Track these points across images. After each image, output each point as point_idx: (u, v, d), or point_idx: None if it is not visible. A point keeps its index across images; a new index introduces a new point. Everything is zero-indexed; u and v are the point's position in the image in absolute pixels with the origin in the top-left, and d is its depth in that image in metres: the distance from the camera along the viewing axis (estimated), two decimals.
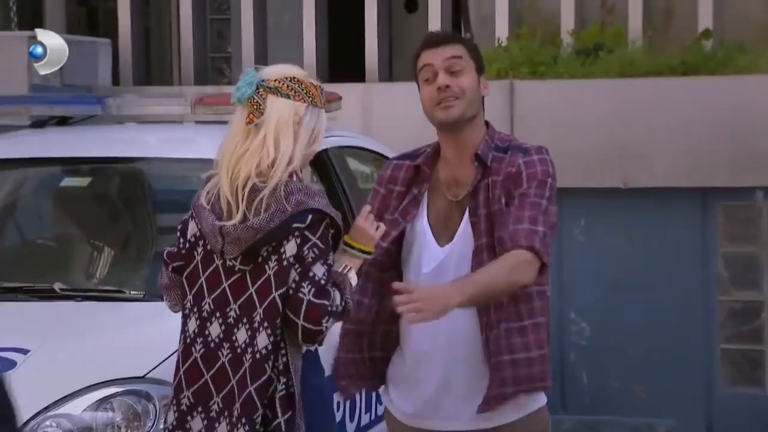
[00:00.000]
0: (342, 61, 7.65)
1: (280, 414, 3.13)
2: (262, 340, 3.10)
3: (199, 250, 3.22)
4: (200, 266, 3.21)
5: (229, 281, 3.15)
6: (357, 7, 7.38)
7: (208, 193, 3.22)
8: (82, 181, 5.17)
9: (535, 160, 3.43)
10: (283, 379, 3.14)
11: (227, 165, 3.16)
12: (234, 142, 3.17)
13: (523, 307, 3.43)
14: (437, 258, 3.43)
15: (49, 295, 4.41)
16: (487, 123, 3.52)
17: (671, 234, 6.41)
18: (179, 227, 3.29)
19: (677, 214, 6.40)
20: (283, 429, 3.12)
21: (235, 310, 3.14)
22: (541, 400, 3.52)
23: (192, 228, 3.24)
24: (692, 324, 6.38)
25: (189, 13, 7.49)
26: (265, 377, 3.10)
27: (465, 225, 3.43)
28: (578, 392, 6.54)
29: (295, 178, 3.16)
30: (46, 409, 3.79)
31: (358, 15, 7.36)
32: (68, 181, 5.21)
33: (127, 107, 5.37)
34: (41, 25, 8.39)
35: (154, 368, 3.88)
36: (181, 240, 3.27)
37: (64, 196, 5.19)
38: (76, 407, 3.81)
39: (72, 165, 5.11)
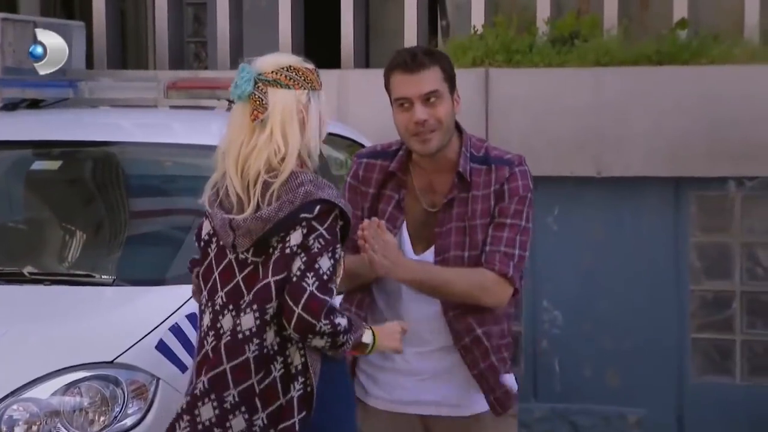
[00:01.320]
0: (318, 46, 7.62)
1: (295, 413, 3.11)
2: (247, 321, 3.09)
3: (213, 247, 3.22)
4: (214, 263, 3.21)
5: (243, 274, 3.15)
6: None
7: (214, 190, 3.21)
8: (53, 165, 5.15)
9: (516, 173, 3.47)
10: (301, 379, 3.12)
11: (235, 162, 3.14)
12: (239, 139, 3.15)
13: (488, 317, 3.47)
14: None
15: (18, 279, 4.39)
16: (459, 128, 3.51)
17: (644, 223, 6.42)
18: (195, 233, 3.31)
19: (651, 203, 6.42)
20: (297, 428, 3.11)
21: (248, 300, 3.12)
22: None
23: (206, 227, 3.26)
24: (664, 313, 6.40)
25: None
26: (242, 358, 3.08)
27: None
28: (550, 380, 6.55)
29: (304, 167, 3.15)
30: (14, 393, 3.78)
31: (334, 1, 7.33)
32: (39, 165, 5.19)
33: (99, 91, 5.36)
34: (15, 8, 8.35)
35: (123, 353, 3.88)
36: (197, 242, 3.29)
37: (34, 179, 5.17)
38: (44, 391, 3.80)
39: (43, 148, 5.09)
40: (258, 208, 3.12)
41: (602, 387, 6.46)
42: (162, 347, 3.93)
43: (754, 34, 6.59)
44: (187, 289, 4.07)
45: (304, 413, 3.12)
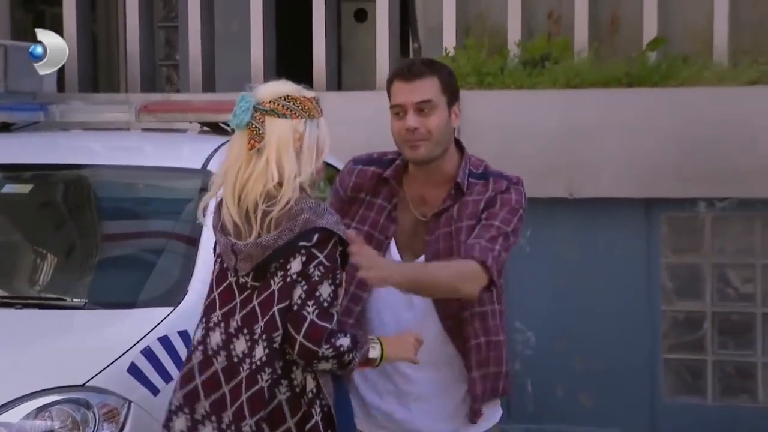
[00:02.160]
0: (290, 69, 7.63)
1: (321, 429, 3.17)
2: (259, 351, 3.14)
3: (216, 267, 3.29)
4: (215, 282, 3.27)
5: (242, 297, 3.21)
6: (305, 16, 7.38)
7: (221, 210, 3.27)
8: (24, 188, 5.13)
9: (512, 189, 3.50)
10: (317, 402, 3.17)
11: (232, 190, 3.20)
12: (236, 167, 3.20)
13: (478, 325, 3.46)
14: None
15: None
16: (460, 146, 3.55)
17: (616, 244, 6.45)
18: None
19: (622, 225, 6.45)
20: None
21: (237, 321, 3.19)
22: (493, 417, 3.57)
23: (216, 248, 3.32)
24: (636, 334, 6.42)
25: (136, 19, 7.45)
26: (257, 387, 3.14)
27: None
28: (523, 401, 6.56)
29: (303, 194, 3.18)
30: None
31: (306, 23, 7.35)
32: (10, 188, 5.16)
33: (70, 114, 5.35)
34: None
35: (94, 376, 3.86)
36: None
37: (5, 202, 5.14)
38: (15, 415, 3.77)
39: (14, 171, 5.07)
40: (259, 235, 3.17)
41: (575, 407, 6.47)
42: (133, 370, 3.91)
43: (723, 56, 6.65)
44: (159, 312, 4.09)
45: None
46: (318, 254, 3.13)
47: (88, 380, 3.84)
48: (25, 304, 4.37)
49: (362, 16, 9.26)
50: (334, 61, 7.42)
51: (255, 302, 3.17)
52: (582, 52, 6.80)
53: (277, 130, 3.18)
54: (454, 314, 3.46)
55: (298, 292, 3.12)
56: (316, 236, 3.13)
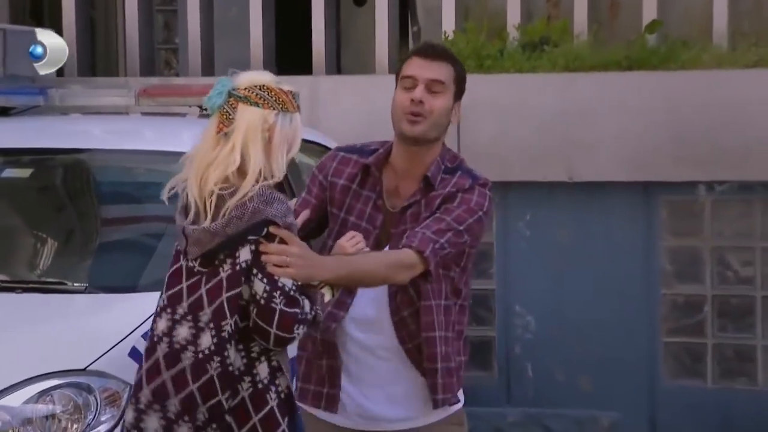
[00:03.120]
0: (289, 53, 7.63)
1: (281, 420, 3.17)
2: (206, 340, 3.12)
3: (173, 249, 3.27)
4: (170, 265, 3.26)
5: (189, 282, 3.19)
6: (304, 0, 7.37)
7: (180, 195, 3.25)
8: (24, 172, 5.13)
9: (476, 189, 3.47)
10: (273, 387, 3.17)
11: (196, 172, 3.19)
12: (204, 149, 3.20)
13: (441, 318, 3.47)
14: None
15: None
16: (442, 143, 3.54)
17: (616, 227, 6.46)
18: None
19: (621, 208, 6.45)
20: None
21: (183, 307, 3.17)
22: (454, 404, 3.59)
23: None
24: (636, 317, 6.43)
25: (134, 3, 7.43)
26: (206, 377, 3.11)
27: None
28: (523, 385, 6.57)
29: (267, 182, 3.16)
30: None
31: (305, 7, 7.34)
32: (9, 172, 5.16)
33: (70, 98, 5.34)
34: None
35: (95, 360, 3.87)
36: None
37: (5, 187, 5.14)
38: (16, 399, 3.78)
39: (13, 156, 5.07)
40: (213, 220, 3.15)
41: (575, 391, 6.48)
42: (135, 354, 3.91)
43: (722, 39, 6.64)
44: (159, 296, 4.10)
45: (287, 418, 3.19)
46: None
47: (90, 364, 3.85)
48: (26, 289, 4.38)
49: (361, 0, 9.25)
50: (333, 45, 7.41)
51: (202, 289, 3.15)
52: (581, 35, 6.79)
53: (247, 117, 3.16)
54: (404, 308, 3.47)
55: (261, 286, 3.10)
56: (265, 230, 3.12)
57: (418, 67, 3.44)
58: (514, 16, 6.97)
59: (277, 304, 3.10)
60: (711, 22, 6.72)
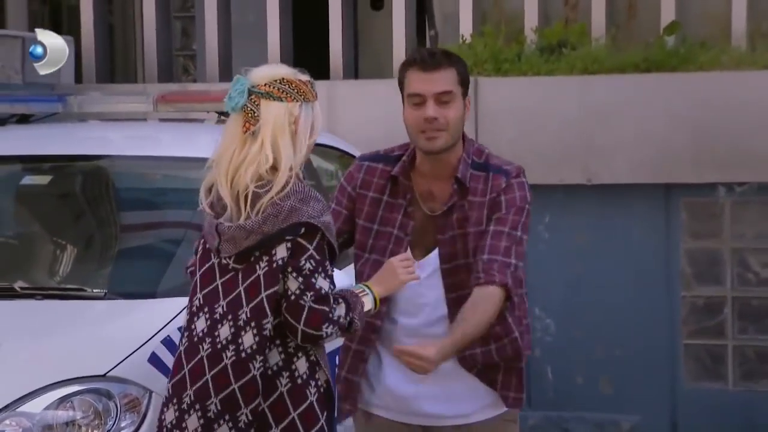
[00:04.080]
0: (307, 58, 7.63)
1: (319, 414, 3.18)
2: (248, 339, 3.13)
3: (200, 249, 3.27)
4: (197, 264, 3.26)
5: (223, 279, 3.19)
6: (321, 5, 7.37)
7: (206, 195, 3.25)
8: (44, 179, 5.14)
9: (514, 185, 3.48)
10: (317, 377, 3.19)
11: (225, 172, 3.18)
12: (231, 149, 3.18)
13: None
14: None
15: (9, 294, 4.39)
16: (463, 134, 3.53)
17: (635, 230, 6.44)
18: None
19: (641, 210, 6.43)
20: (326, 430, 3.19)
21: (222, 306, 3.17)
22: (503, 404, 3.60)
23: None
24: (656, 320, 6.41)
25: (152, 10, 7.46)
26: (249, 377, 3.12)
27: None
28: (543, 388, 6.55)
29: (294, 178, 3.17)
30: (6, 407, 3.77)
31: (322, 12, 7.35)
32: (29, 179, 5.18)
33: (88, 105, 5.36)
34: (3, 23, 8.35)
35: (115, 366, 3.87)
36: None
37: (25, 194, 5.16)
38: (37, 406, 3.79)
39: (33, 163, 5.09)
40: (248, 218, 3.15)
41: (595, 394, 6.46)
42: (154, 360, 3.92)
43: (741, 40, 6.62)
44: (178, 302, 4.09)
45: (326, 413, 3.20)
46: (307, 246, 3.12)
47: (110, 370, 3.86)
48: (46, 295, 4.39)
49: (378, 4, 9.25)
50: (350, 50, 7.41)
51: (241, 287, 3.15)
52: (599, 38, 6.78)
53: (273, 112, 3.16)
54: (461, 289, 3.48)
55: (294, 284, 3.11)
56: (302, 230, 3.12)
57: (423, 83, 3.40)
58: (531, 19, 6.96)
59: (306, 301, 3.10)
60: (729, 23, 6.70)
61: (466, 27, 7.06)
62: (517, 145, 6.36)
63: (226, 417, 3.13)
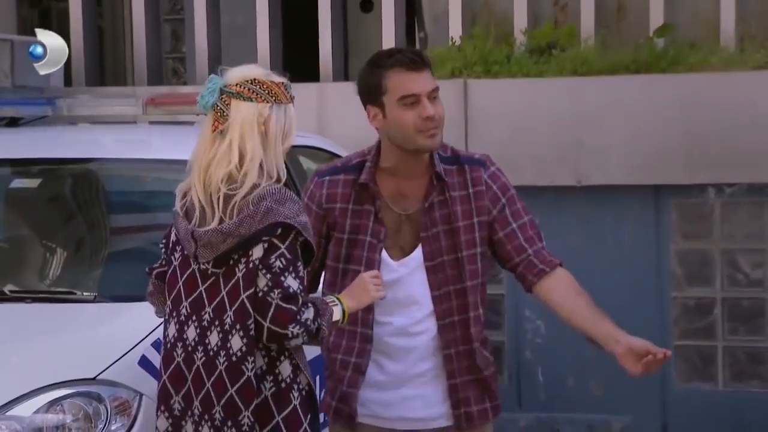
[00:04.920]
0: (297, 60, 7.64)
1: (303, 419, 3.18)
2: (236, 342, 3.13)
3: (177, 255, 3.26)
4: (178, 271, 3.25)
5: (205, 285, 3.19)
6: (311, 7, 7.37)
7: (182, 198, 3.26)
8: (33, 183, 5.14)
9: (496, 173, 3.55)
10: (299, 380, 3.19)
11: (198, 172, 3.20)
12: (203, 149, 3.20)
13: (473, 298, 3.48)
14: (394, 271, 3.46)
15: None
16: None
17: (625, 231, 6.44)
18: (163, 237, 3.36)
19: (631, 212, 6.44)
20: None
21: (209, 313, 3.18)
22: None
23: (173, 234, 3.30)
24: (646, 320, 6.41)
25: (142, 12, 7.45)
26: (244, 379, 3.12)
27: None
28: (534, 390, 6.56)
29: (267, 179, 3.17)
30: None
31: (312, 14, 7.34)
32: (18, 182, 5.17)
33: (78, 108, 5.35)
34: None
35: (105, 370, 3.87)
36: (162, 247, 3.34)
37: (14, 197, 5.15)
38: (27, 409, 3.78)
39: (22, 166, 5.08)
40: (221, 220, 3.15)
41: (586, 395, 6.47)
42: (145, 363, 3.91)
43: (730, 41, 6.63)
44: None
45: (309, 416, 3.20)
46: (279, 245, 3.12)
47: (100, 373, 3.85)
48: (35, 298, 4.39)
49: (368, 6, 9.25)
50: (340, 52, 7.41)
51: (223, 292, 3.15)
52: (589, 40, 6.79)
53: (242, 112, 3.17)
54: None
55: (263, 281, 3.11)
56: (279, 230, 3.12)
57: (416, 82, 3.40)
58: (521, 21, 6.97)
59: (273, 299, 3.10)
60: (718, 25, 6.71)
61: (455, 29, 7.06)
62: (507, 147, 6.36)
63: (229, 423, 3.14)
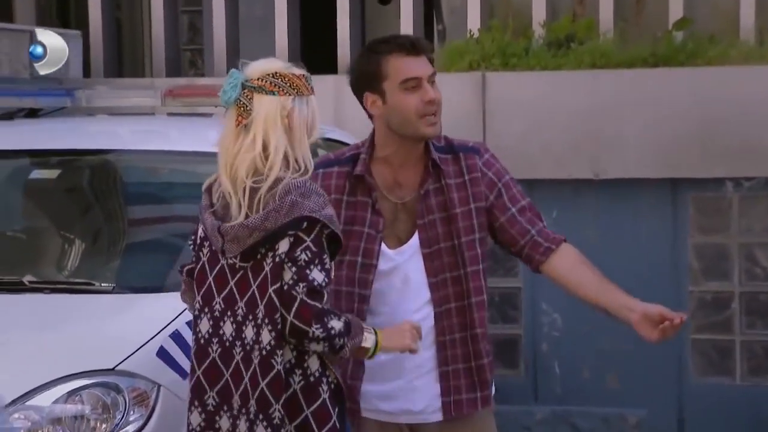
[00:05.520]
0: (314, 52, 7.64)
1: (332, 411, 3.18)
2: (266, 336, 3.14)
3: (205, 251, 3.27)
4: (207, 267, 3.26)
5: (235, 279, 3.20)
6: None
7: (210, 193, 3.27)
8: (52, 174, 5.15)
9: (490, 160, 3.53)
10: (327, 374, 3.20)
11: (224, 165, 3.21)
12: (227, 142, 3.21)
13: (476, 316, 3.50)
14: (392, 260, 3.46)
15: (18, 288, 4.40)
16: None
17: (642, 224, 6.43)
18: (191, 236, 3.37)
19: (648, 205, 6.42)
20: (338, 426, 3.19)
21: (242, 308, 3.19)
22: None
23: (200, 231, 3.31)
24: None
25: (160, 4, 7.45)
26: (273, 373, 3.13)
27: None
28: (550, 383, 6.55)
29: (292, 171, 3.17)
30: (15, 401, 3.78)
31: (330, 6, 7.34)
32: (37, 173, 5.19)
33: (96, 99, 5.37)
34: (11, 17, 8.35)
35: (124, 360, 3.88)
36: (191, 244, 3.35)
37: (33, 188, 5.17)
38: (46, 399, 3.80)
39: (41, 157, 5.10)
40: (247, 215, 3.16)
41: (602, 388, 6.46)
42: (162, 354, 3.93)
43: (749, 35, 6.61)
44: None
45: (337, 409, 3.20)
46: (305, 238, 3.12)
47: (118, 364, 3.87)
48: (54, 289, 4.40)
49: None
50: (358, 45, 7.40)
51: (253, 286, 3.16)
52: (607, 33, 6.77)
53: (265, 106, 3.17)
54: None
55: (288, 274, 3.11)
56: (304, 224, 3.12)
57: (416, 66, 3.40)
58: (539, 13, 6.95)
59: (298, 293, 3.10)
60: (738, 18, 6.68)
61: (473, 21, 7.05)
62: (524, 140, 6.35)
63: (261, 416, 3.15)
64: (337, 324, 3.13)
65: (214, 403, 3.24)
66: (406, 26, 7.16)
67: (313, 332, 3.11)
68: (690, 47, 6.48)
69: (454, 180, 3.47)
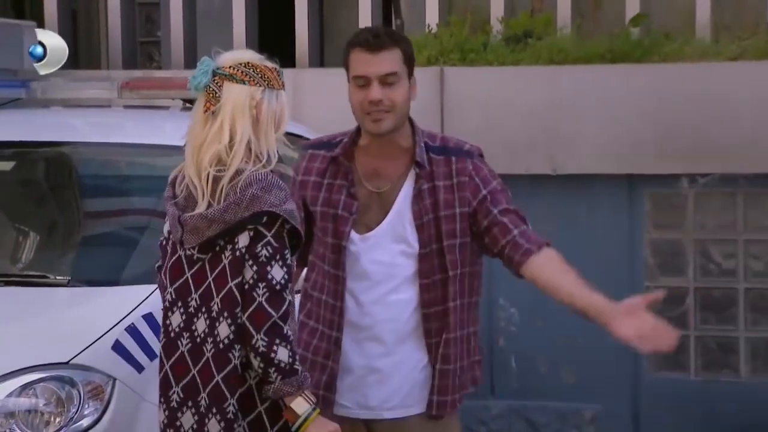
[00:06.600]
0: (272, 46, 7.62)
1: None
2: (223, 330, 3.11)
3: (169, 242, 3.26)
4: (168, 258, 3.24)
5: (191, 271, 3.18)
6: None
7: (174, 185, 3.25)
8: (6, 165, 5.11)
9: (479, 165, 3.54)
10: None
11: (190, 153, 3.19)
12: (195, 130, 3.20)
13: (465, 316, 3.50)
14: (355, 245, 3.47)
15: None
16: (410, 120, 3.53)
17: (599, 220, 6.46)
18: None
19: (605, 201, 6.45)
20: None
21: (195, 299, 3.16)
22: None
23: (166, 224, 3.29)
24: None
25: None
26: (230, 367, 3.11)
27: (391, 217, 3.49)
28: (507, 377, 6.57)
29: (255, 164, 3.15)
30: None
31: (289, 0, 7.33)
32: None
33: (52, 91, 5.33)
34: None
35: (79, 354, 3.86)
36: (163, 240, 3.33)
37: None
38: None
39: None
40: (209, 205, 3.14)
41: (558, 383, 6.49)
42: (118, 348, 3.91)
43: (705, 32, 6.65)
44: (142, 290, 4.08)
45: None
46: (265, 233, 3.11)
47: (73, 358, 3.84)
48: (9, 282, 4.36)
49: None
50: (316, 38, 7.40)
51: (210, 278, 3.14)
52: (565, 29, 6.79)
53: (234, 94, 3.16)
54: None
55: (249, 273, 3.09)
56: (264, 219, 3.11)
57: (367, 64, 3.38)
58: (497, 9, 6.97)
59: (258, 296, 3.09)
60: (694, 15, 6.73)
61: (432, 16, 7.06)
62: (482, 134, 6.34)
63: (214, 410, 3.12)
64: (284, 356, 3.08)
65: (159, 393, 3.23)
66: (365, 20, 7.15)
67: (256, 341, 3.08)
68: (646, 44, 6.52)
69: (443, 182, 3.47)
